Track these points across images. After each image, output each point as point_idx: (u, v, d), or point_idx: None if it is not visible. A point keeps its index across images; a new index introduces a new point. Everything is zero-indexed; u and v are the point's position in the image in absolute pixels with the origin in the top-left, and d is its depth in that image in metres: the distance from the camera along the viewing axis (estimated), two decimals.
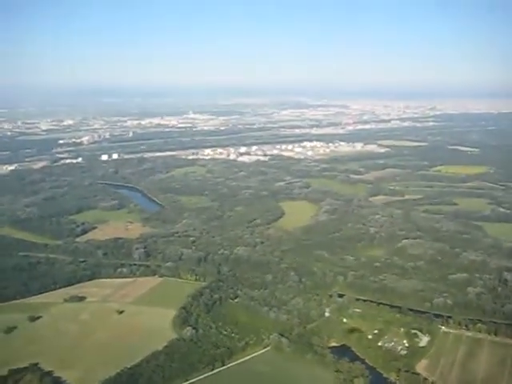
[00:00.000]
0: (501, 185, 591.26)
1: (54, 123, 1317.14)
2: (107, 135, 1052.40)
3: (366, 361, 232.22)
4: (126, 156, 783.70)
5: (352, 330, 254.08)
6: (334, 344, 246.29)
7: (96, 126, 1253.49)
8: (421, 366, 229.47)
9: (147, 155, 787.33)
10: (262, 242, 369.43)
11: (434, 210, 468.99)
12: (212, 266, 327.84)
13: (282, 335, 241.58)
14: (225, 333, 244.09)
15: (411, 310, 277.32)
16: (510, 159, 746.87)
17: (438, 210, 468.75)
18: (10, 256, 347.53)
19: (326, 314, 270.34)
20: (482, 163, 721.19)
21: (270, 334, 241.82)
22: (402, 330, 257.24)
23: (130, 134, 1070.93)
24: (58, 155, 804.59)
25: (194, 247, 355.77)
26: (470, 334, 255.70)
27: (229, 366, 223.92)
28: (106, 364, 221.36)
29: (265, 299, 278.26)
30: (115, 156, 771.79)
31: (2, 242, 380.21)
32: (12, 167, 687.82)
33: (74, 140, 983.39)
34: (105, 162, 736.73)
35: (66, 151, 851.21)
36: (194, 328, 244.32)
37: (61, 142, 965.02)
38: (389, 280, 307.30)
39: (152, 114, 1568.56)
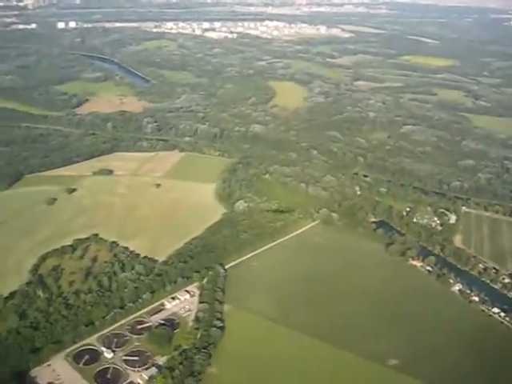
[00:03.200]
0: (471, 78, 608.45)
1: None
2: (53, 0, 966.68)
3: (407, 235, 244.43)
4: (85, 25, 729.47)
5: (387, 208, 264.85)
6: (373, 219, 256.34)
7: None
8: (457, 241, 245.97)
9: (108, 25, 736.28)
10: (273, 121, 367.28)
11: (420, 99, 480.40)
12: (230, 142, 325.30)
13: (331, 210, 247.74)
14: (273, 207, 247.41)
15: (432, 191, 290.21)
16: (472, 53, 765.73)
17: (423, 99, 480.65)
18: (14, 127, 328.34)
19: (358, 193, 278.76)
20: (447, 56, 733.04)
21: (319, 209, 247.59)
22: (430, 208, 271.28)
23: (78, 1, 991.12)
24: (5, 19, 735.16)
25: (207, 123, 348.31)
26: (488, 214, 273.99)
27: (287, 237, 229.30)
28: (169, 235, 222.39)
29: (297, 176, 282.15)
30: (73, 24, 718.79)
31: None
32: None
33: (15, 3, 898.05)
34: (64, 30, 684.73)
35: (13, 15, 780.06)
36: (245, 202, 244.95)
37: (0, 4, 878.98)
38: (405, 163, 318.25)
39: None
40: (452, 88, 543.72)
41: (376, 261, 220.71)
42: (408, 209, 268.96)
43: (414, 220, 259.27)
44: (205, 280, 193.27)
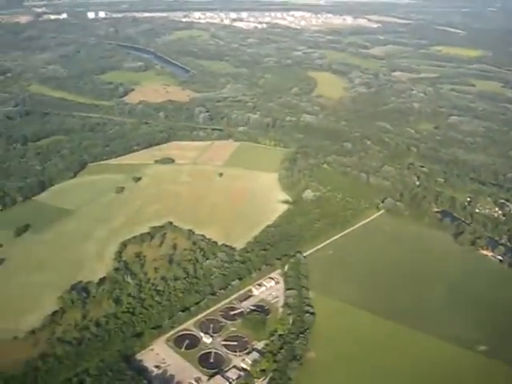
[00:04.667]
0: (506, 69, 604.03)
1: None
2: None
3: (472, 225, 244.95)
4: (114, 15, 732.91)
5: (448, 198, 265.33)
6: (435, 209, 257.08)
7: None
8: None
9: (137, 15, 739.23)
10: (321, 111, 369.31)
11: (459, 90, 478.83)
12: (283, 132, 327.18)
13: (395, 200, 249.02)
14: (339, 196, 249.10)
15: (488, 182, 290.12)
16: (502, 43, 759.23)
17: (463, 90, 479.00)
18: (68, 116, 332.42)
19: (416, 183, 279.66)
20: (477, 46, 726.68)
21: (384, 198, 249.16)
22: (489, 199, 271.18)
23: None
24: (35, 9, 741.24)
25: (258, 112, 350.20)
26: None
27: (357, 226, 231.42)
28: (241, 223, 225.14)
29: (356, 166, 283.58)
30: (102, 14, 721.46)
31: (46, 100, 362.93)
32: None
33: None
34: (95, 20, 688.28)
35: (42, 5, 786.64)
36: (312, 191, 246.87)
37: None
38: (458, 153, 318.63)
39: None
40: (487, 78, 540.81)
41: (447, 250, 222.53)
42: (468, 199, 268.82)
43: (477, 210, 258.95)
44: (286, 267, 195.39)
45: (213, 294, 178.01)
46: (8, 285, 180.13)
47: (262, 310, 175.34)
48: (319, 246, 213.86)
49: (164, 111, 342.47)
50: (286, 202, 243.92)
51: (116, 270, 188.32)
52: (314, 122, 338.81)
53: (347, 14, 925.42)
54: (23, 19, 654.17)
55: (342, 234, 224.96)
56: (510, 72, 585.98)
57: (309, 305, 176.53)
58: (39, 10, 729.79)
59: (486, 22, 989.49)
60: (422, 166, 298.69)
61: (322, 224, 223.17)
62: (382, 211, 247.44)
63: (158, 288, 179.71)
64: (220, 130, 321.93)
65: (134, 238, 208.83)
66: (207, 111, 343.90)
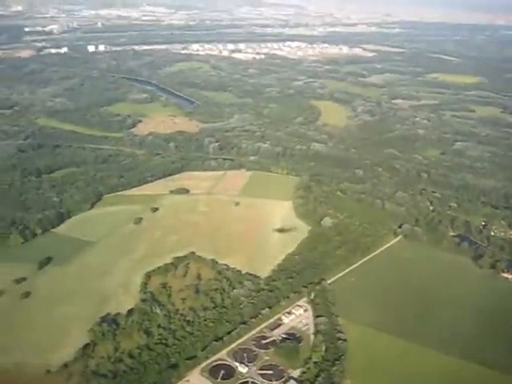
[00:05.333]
0: (503, 95, 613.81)
1: (0, 8, 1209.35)
2: (75, 25, 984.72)
3: (490, 248, 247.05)
4: (114, 48, 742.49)
5: (464, 222, 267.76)
6: (452, 234, 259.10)
7: (52, 14, 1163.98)
8: None
9: (136, 48, 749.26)
10: (329, 139, 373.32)
11: (460, 116, 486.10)
12: (294, 161, 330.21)
13: (412, 225, 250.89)
14: (356, 223, 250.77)
15: (501, 206, 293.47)
16: (497, 71, 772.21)
17: (464, 116, 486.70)
18: (79, 148, 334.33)
19: (430, 208, 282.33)
20: (472, 73, 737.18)
21: (400, 224, 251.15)
22: (503, 222, 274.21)
23: (99, 25, 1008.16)
24: (35, 44, 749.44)
25: (267, 142, 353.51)
26: None
27: (376, 252, 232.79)
28: (263, 252, 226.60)
29: (370, 192, 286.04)
30: (102, 48, 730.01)
31: (56, 133, 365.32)
32: None
33: (41, 28, 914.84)
34: (96, 53, 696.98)
35: (42, 40, 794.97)
36: (330, 218, 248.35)
37: (27, 29, 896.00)
38: (467, 178, 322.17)
39: (104, 3, 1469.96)
40: (486, 104, 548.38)
41: (469, 273, 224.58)
42: (483, 223, 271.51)
43: (492, 233, 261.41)
44: (312, 295, 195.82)
45: (243, 323, 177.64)
46: (36, 318, 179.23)
47: (293, 337, 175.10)
48: (342, 273, 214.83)
49: (174, 142, 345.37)
50: (303, 229, 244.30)
51: (143, 301, 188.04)
52: (323, 151, 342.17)
53: (342, 44, 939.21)
54: (24, 53, 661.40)
55: (363, 260, 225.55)
56: (508, 97, 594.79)
57: (340, 331, 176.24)
58: (39, 44, 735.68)
59: (478, 50, 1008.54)
60: (434, 192, 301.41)
61: (343, 251, 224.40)
62: (399, 237, 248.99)
63: (187, 318, 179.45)
64: (231, 159, 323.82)
65: (158, 268, 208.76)
66: (217, 141, 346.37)
